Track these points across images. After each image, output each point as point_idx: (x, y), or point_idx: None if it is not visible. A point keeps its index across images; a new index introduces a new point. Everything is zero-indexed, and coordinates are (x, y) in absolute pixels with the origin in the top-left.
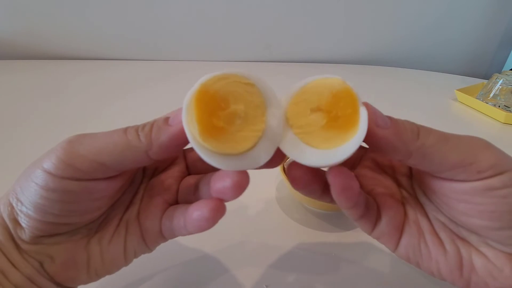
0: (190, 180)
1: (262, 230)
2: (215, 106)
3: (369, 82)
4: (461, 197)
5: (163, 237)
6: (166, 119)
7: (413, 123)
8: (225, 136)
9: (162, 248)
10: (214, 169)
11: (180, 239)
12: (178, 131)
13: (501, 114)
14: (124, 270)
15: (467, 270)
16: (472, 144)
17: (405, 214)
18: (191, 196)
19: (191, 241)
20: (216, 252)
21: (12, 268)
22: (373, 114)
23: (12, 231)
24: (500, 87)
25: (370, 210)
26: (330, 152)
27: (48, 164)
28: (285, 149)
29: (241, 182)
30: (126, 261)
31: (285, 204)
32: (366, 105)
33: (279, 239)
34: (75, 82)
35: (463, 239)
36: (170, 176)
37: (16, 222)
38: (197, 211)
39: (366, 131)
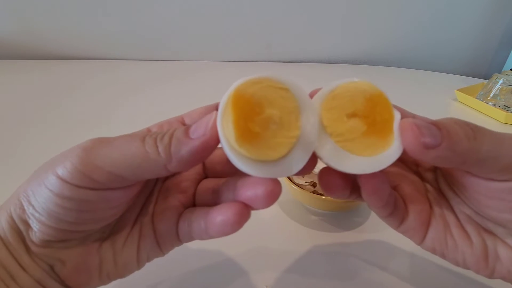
0: (208, 184)
1: (262, 230)
2: (250, 111)
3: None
4: (494, 194)
5: (179, 240)
6: (186, 131)
7: (466, 125)
8: (260, 142)
9: None
10: (235, 173)
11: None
12: (200, 145)
13: (501, 114)
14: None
15: (492, 260)
16: None
17: (431, 208)
18: (209, 200)
19: (191, 242)
20: (216, 252)
21: (21, 271)
22: (417, 135)
23: (24, 233)
24: (500, 87)
25: (398, 208)
26: (372, 159)
27: (63, 172)
28: (325, 158)
29: (274, 191)
30: (139, 265)
31: (285, 204)
32: (408, 123)
33: (279, 239)
34: (75, 82)
35: (488, 231)
36: (186, 179)
37: (27, 224)
38: (220, 216)
39: (413, 151)
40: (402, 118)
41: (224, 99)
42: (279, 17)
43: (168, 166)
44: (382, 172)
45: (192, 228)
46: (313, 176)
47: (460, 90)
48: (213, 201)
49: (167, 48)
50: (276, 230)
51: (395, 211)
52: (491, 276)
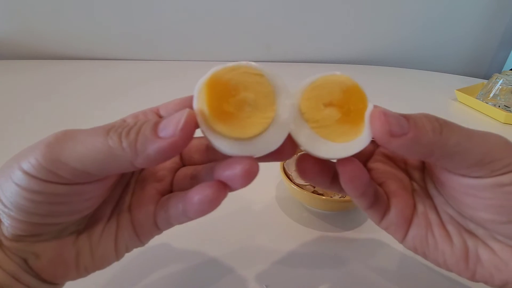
0: (186, 170)
1: (262, 230)
2: (226, 93)
3: (369, 82)
4: (469, 191)
5: (157, 228)
6: (155, 128)
7: (435, 120)
8: (234, 121)
9: (162, 248)
10: (213, 161)
11: (179, 239)
12: (167, 146)
13: (501, 114)
14: (123, 272)
15: (473, 262)
16: (492, 143)
17: (415, 206)
18: (188, 186)
19: (191, 241)
20: (216, 252)
21: None
22: (383, 122)
23: None
24: (500, 87)
25: (379, 201)
26: (345, 145)
27: (28, 167)
28: (302, 142)
29: (251, 170)
30: (118, 256)
31: (285, 204)
32: (376, 112)
33: (279, 239)
34: (74, 82)
35: (470, 232)
36: (163, 168)
37: None
38: (198, 195)
39: (379, 138)
40: (380, 121)
41: (200, 82)
42: (279, 17)
43: (134, 163)
44: (357, 161)
45: (170, 213)
46: None
47: (460, 90)
48: (192, 186)
49: (167, 47)
50: (276, 230)
51: (376, 204)
52: (473, 278)
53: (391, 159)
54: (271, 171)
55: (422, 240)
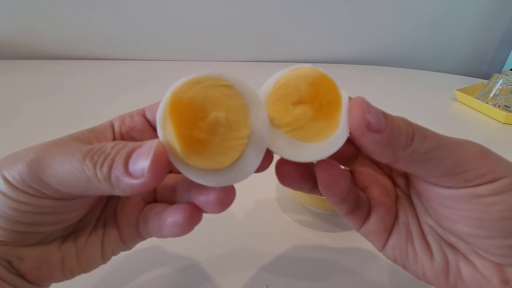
0: (168, 180)
1: (262, 230)
2: (193, 117)
3: (369, 82)
4: (445, 202)
5: (140, 236)
6: (126, 163)
7: (409, 124)
8: (209, 150)
9: (162, 248)
10: None
11: (178, 239)
12: (139, 185)
13: (501, 114)
14: (126, 273)
15: (454, 277)
16: (466, 152)
17: (397, 214)
18: (168, 197)
19: (191, 241)
20: (217, 252)
21: None
22: (364, 112)
23: None
24: (500, 87)
25: (359, 207)
26: (323, 144)
27: (13, 179)
28: (277, 150)
29: (227, 198)
30: (104, 259)
31: (285, 204)
32: (358, 100)
33: (279, 239)
34: (74, 82)
35: (451, 245)
36: None
37: None
38: (171, 218)
39: (355, 127)
40: (360, 111)
41: (160, 107)
42: (280, 17)
43: (113, 193)
44: (337, 164)
45: (148, 226)
46: None
47: (460, 90)
48: (171, 198)
49: (167, 48)
50: (276, 230)
51: (356, 211)
52: None
53: (376, 163)
54: (271, 171)
55: (401, 250)
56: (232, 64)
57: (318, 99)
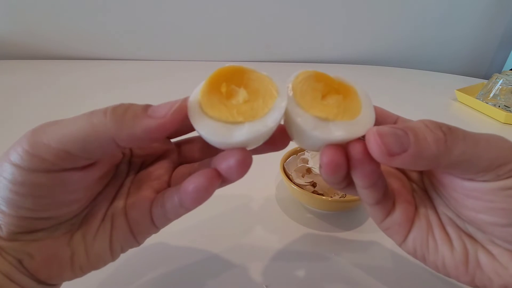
0: (184, 169)
1: (262, 230)
2: (231, 80)
3: (369, 82)
4: (471, 194)
5: (155, 226)
6: (146, 108)
7: (438, 128)
8: (226, 106)
9: (162, 248)
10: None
11: (178, 239)
12: (156, 126)
13: (501, 114)
14: (123, 270)
15: (472, 266)
16: (499, 148)
17: (416, 207)
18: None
19: (192, 240)
20: (217, 252)
21: None
22: (379, 145)
23: None
24: (500, 87)
25: (387, 198)
26: (352, 123)
27: (15, 156)
28: (313, 133)
29: (245, 161)
30: (113, 256)
31: (285, 204)
32: (373, 133)
33: (279, 239)
34: (74, 82)
35: (469, 235)
36: (160, 167)
37: None
38: (193, 184)
39: (379, 159)
40: (377, 143)
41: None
42: (279, 17)
43: (116, 138)
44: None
45: (166, 207)
46: (313, 176)
47: (460, 90)
48: None
49: (167, 48)
50: (276, 230)
51: (384, 201)
52: (472, 283)
53: None
54: (271, 171)
55: (422, 242)
56: (231, 64)
57: (330, 83)
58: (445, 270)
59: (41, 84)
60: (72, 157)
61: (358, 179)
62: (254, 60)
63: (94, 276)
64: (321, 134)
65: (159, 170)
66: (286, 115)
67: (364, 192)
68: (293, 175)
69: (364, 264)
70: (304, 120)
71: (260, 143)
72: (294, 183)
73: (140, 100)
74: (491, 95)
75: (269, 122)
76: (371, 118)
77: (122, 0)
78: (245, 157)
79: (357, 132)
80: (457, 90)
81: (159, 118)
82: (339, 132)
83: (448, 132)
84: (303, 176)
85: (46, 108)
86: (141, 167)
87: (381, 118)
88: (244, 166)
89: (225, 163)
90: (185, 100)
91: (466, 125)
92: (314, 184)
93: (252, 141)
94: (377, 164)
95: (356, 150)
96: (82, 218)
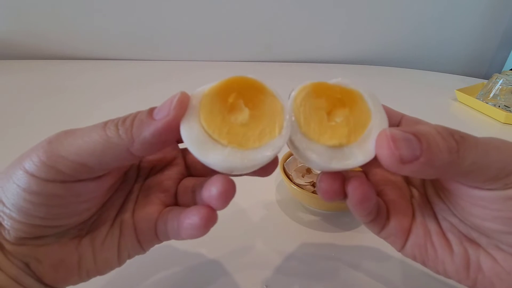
0: (187, 182)
1: (262, 230)
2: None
3: (369, 82)
4: (478, 202)
5: (158, 239)
6: (150, 112)
7: (449, 136)
8: (231, 130)
9: (163, 250)
10: (213, 172)
11: (176, 241)
12: (162, 127)
13: (501, 114)
14: (126, 273)
15: (474, 271)
16: (508, 157)
17: (413, 215)
18: (189, 199)
19: (192, 242)
20: (217, 252)
21: None
22: (392, 149)
23: None
24: (500, 87)
25: (380, 214)
26: (356, 146)
27: (30, 165)
28: (314, 160)
29: (228, 192)
30: (120, 262)
31: (286, 204)
32: (386, 135)
33: (280, 239)
34: (74, 82)
35: (472, 241)
36: (168, 178)
37: None
38: (188, 219)
39: (389, 166)
40: (387, 147)
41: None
42: (279, 17)
43: (131, 149)
44: (365, 179)
45: (167, 228)
46: (313, 176)
47: (460, 90)
48: (193, 200)
49: (167, 48)
50: (276, 230)
51: (377, 218)
52: (473, 287)
53: None
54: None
55: (421, 249)
56: (232, 64)
57: (333, 94)
58: (446, 274)
59: (41, 85)
60: (89, 169)
61: (354, 212)
62: (254, 60)
63: (95, 279)
64: (339, 165)
65: (167, 181)
66: (294, 147)
67: (357, 215)
68: (293, 175)
69: (364, 264)
70: (318, 156)
71: (238, 172)
72: (294, 183)
73: (141, 100)
74: (491, 95)
75: (250, 159)
76: (383, 122)
77: (123, 0)
78: (227, 187)
79: (373, 153)
80: (457, 90)
81: (163, 118)
82: (359, 158)
83: (460, 141)
84: (303, 176)
85: (46, 108)
86: (150, 173)
87: None
88: (226, 197)
89: (207, 193)
90: (183, 93)
91: (466, 125)
92: (314, 184)
93: (225, 170)
94: (374, 195)
95: (355, 199)
96: (91, 223)
